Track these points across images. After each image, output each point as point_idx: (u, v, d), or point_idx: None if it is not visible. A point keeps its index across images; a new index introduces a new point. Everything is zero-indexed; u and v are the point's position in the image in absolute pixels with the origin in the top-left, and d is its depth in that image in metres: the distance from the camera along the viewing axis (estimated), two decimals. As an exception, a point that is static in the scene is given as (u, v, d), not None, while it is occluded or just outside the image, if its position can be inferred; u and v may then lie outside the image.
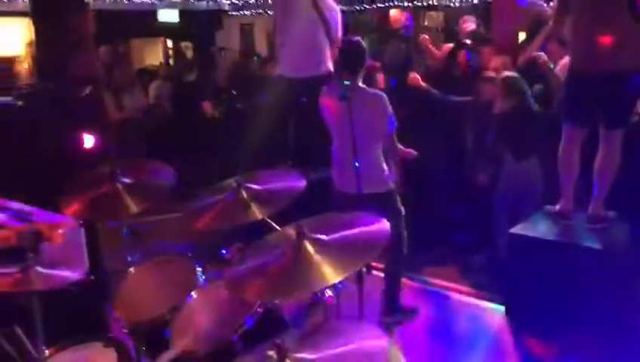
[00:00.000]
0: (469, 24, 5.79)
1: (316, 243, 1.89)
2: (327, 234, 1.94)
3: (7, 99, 4.74)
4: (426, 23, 6.40)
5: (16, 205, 3.50)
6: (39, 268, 2.56)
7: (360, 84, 3.49)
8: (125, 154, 4.96)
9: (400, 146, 3.70)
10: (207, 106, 6.09)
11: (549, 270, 3.58)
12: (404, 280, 4.04)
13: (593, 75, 3.36)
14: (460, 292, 4.31)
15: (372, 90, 3.56)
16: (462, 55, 5.15)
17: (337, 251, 1.87)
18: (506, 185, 4.43)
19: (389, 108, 3.50)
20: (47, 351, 2.31)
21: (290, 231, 1.98)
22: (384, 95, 3.52)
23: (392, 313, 3.79)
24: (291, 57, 4.97)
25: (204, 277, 2.53)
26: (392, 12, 6.95)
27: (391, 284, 3.80)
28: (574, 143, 3.62)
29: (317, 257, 1.84)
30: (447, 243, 5.01)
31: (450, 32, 7.01)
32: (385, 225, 1.99)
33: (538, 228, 3.80)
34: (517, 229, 3.82)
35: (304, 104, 4.63)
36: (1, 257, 2.85)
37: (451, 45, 5.49)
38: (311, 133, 4.31)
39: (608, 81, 3.30)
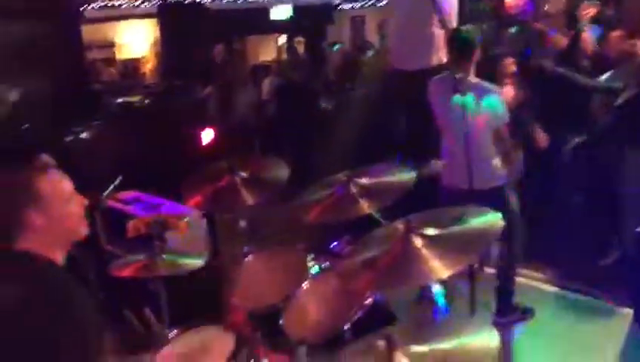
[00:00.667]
0: (589, 10, 5.44)
1: (424, 237, 1.89)
2: (436, 229, 1.93)
3: (135, 98, 5.15)
4: (546, 8, 6.07)
5: (145, 197, 3.81)
6: (165, 256, 2.78)
7: (472, 76, 3.41)
8: (239, 149, 5.19)
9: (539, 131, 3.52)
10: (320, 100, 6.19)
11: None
12: (519, 278, 3.91)
13: None
14: (581, 292, 4.09)
15: (485, 84, 3.46)
16: (584, 41, 4.86)
17: (446, 246, 1.86)
18: (631, 178, 4.14)
19: (502, 101, 3.40)
20: (172, 332, 2.48)
21: (399, 225, 2.00)
22: (497, 88, 3.42)
23: (506, 312, 3.68)
24: (401, 48, 4.93)
25: (315, 268, 2.60)
26: (507, -2, 6.67)
27: (504, 282, 3.70)
28: None
29: (425, 251, 1.84)
30: (570, 239, 4.76)
31: (572, 17, 6.62)
32: (497, 220, 1.95)
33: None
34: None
35: (415, 97, 4.58)
36: (132, 245, 3.12)
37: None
38: (421, 126, 4.27)
39: None
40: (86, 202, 2.01)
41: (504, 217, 3.47)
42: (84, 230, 2.02)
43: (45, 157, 3.54)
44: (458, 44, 3.46)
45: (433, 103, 3.61)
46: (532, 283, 4.23)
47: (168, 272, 2.75)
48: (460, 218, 1.95)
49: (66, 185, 1.98)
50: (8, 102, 5.17)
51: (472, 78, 3.38)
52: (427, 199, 3.61)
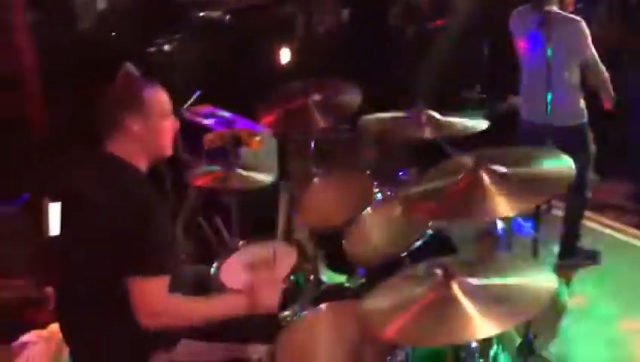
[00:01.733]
0: None
1: (494, 174, 1.88)
2: (506, 167, 1.91)
3: (217, 13, 5.17)
4: None
5: (221, 112, 3.92)
6: (238, 170, 2.89)
7: (555, 7, 3.22)
8: (315, 70, 5.17)
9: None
10: None
11: None
12: (588, 222, 3.82)
13: None
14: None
15: (569, 15, 3.26)
16: None
17: (515, 185, 1.84)
18: None
19: (588, 33, 3.22)
20: (240, 242, 2.62)
21: (468, 159, 1.99)
22: (581, 19, 3.23)
23: (570, 255, 3.63)
24: None
25: (380, 194, 2.64)
26: None
27: (570, 225, 3.63)
28: None
29: (492, 188, 1.83)
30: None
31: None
32: (570, 164, 1.91)
33: None
34: None
35: (497, 26, 4.35)
36: (208, 158, 3.25)
37: None
38: (503, 59, 4.11)
39: None
40: (177, 125, 2.11)
41: (581, 157, 3.39)
42: (169, 150, 2.14)
43: (130, 67, 3.69)
44: None
45: (515, 35, 3.48)
46: (601, 229, 4.12)
47: (240, 186, 2.87)
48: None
49: (167, 102, 2.08)
50: (95, 11, 5.32)
51: (555, 9, 3.20)
52: (506, 134, 3.56)
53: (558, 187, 1.88)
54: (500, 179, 1.86)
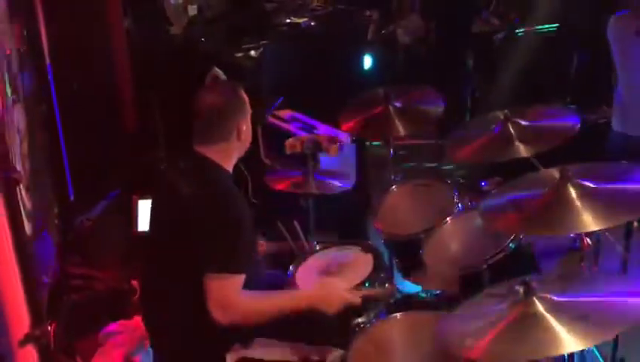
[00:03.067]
0: None
1: (581, 188, 1.81)
2: (594, 182, 1.83)
3: (302, 19, 5.25)
4: None
5: (303, 117, 3.98)
6: (317, 175, 2.93)
7: None
8: (400, 78, 5.15)
9: None
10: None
11: None
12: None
13: None
14: None
15: None
16: None
17: (602, 200, 1.76)
18: None
19: None
20: (317, 246, 2.65)
21: (555, 172, 1.92)
22: None
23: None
24: None
25: (460, 204, 2.59)
26: None
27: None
28: None
29: (579, 202, 1.76)
30: None
31: None
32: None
33: None
34: None
35: (591, 32, 4.15)
36: (288, 161, 3.31)
37: None
38: (595, 67, 3.93)
39: None
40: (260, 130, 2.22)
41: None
42: (250, 142, 2.23)
43: (217, 71, 3.82)
44: None
45: (613, 41, 3.31)
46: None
47: (318, 191, 2.90)
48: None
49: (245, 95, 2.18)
50: (186, 16, 5.54)
51: None
52: (593, 147, 3.40)
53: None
54: (587, 193, 1.78)
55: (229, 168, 2.16)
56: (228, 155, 2.13)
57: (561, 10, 4.98)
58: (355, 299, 2.11)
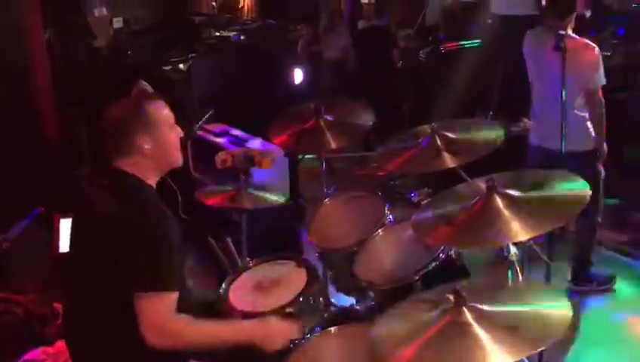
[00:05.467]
0: None
1: (507, 198, 1.86)
2: (519, 191, 1.90)
3: (232, 33, 5.23)
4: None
5: (234, 130, 3.94)
6: (249, 190, 2.89)
7: (570, 32, 3.21)
8: (329, 92, 5.20)
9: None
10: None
11: None
12: (601, 248, 3.77)
13: None
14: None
15: (584, 40, 3.25)
16: None
17: (528, 209, 1.83)
18: None
19: (601, 61, 3.21)
20: (249, 263, 2.61)
21: (481, 183, 1.97)
22: (596, 46, 3.21)
23: (582, 281, 3.58)
24: None
25: (391, 216, 2.62)
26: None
27: (582, 250, 3.58)
28: None
29: (506, 213, 1.82)
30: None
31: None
32: (585, 188, 1.89)
33: None
34: None
35: (511, 47, 4.34)
36: (218, 176, 3.26)
37: None
38: (517, 81, 4.11)
39: None
40: (181, 133, 2.12)
41: (591, 182, 3.36)
42: (180, 160, 2.15)
43: (144, 84, 3.72)
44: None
45: (527, 57, 3.46)
46: (613, 253, 4.06)
47: (251, 206, 2.87)
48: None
49: (169, 112, 2.10)
50: (111, 29, 5.40)
51: (571, 34, 3.19)
52: (515, 158, 3.54)
53: (572, 211, 1.86)
54: (513, 203, 1.84)
55: (152, 182, 2.09)
56: (144, 170, 2.05)
57: (484, 26, 5.21)
58: (298, 334, 2.08)
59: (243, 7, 9.34)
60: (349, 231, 2.61)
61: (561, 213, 1.86)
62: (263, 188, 2.98)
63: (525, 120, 4.28)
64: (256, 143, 3.71)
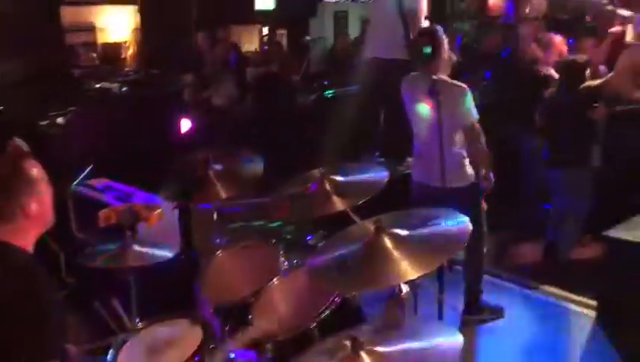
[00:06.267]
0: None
1: (395, 238, 1.91)
2: (406, 230, 1.94)
3: (114, 85, 5.08)
4: (527, 11, 6.16)
5: (118, 185, 3.77)
6: (136, 246, 2.75)
7: (443, 75, 3.41)
8: (217, 140, 5.15)
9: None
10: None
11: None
12: (490, 277, 3.95)
13: None
14: (549, 293, 4.16)
15: (455, 82, 3.47)
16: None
17: (416, 247, 1.88)
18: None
19: (472, 100, 3.43)
20: (140, 324, 2.46)
21: (370, 225, 2.01)
22: (467, 87, 3.44)
23: (474, 311, 3.73)
24: (373, 36, 4.98)
25: (287, 263, 2.60)
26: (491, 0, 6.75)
27: (472, 281, 3.74)
28: None
29: (395, 252, 1.85)
30: (534, 239, 4.85)
31: (552, 20, 6.72)
32: (466, 222, 1.97)
33: (637, 231, 3.59)
34: (614, 232, 3.63)
35: (391, 90, 4.52)
36: (103, 234, 3.08)
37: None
38: (400, 123, 4.29)
39: None
40: (54, 191, 2.01)
41: (473, 215, 3.52)
42: (53, 218, 2.02)
43: (19, 142, 3.49)
44: (422, 42, 3.47)
45: (406, 101, 3.63)
46: (501, 282, 4.28)
47: (138, 263, 2.73)
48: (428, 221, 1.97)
49: (43, 171, 1.98)
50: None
51: (443, 77, 3.39)
52: (403, 197, 3.66)
53: (457, 245, 1.93)
54: (401, 242, 1.89)
55: (29, 247, 1.94)
56: (22, 235, 1.91)
57: (367, 72, 5.40)
58: None
59: (125, 57, 9.18)
60: (244, 282, 2.55)
61: (447, 249, 1.93)
62: (151, 243, 2.85)
63: (409, 159, 4.46)
64: (142, 197, 3.57)
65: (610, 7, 4.24)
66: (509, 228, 4.88)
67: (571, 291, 4.10)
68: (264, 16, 12.04)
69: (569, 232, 4.50)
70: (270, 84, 6.76)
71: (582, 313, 3.87)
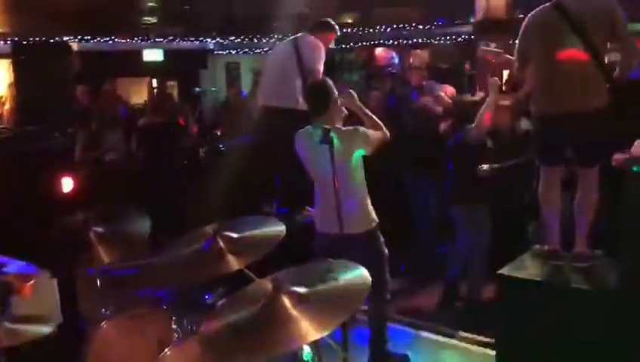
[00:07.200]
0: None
1: (294, 296, 1.79)
2: (305, 287, 1.84)
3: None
4: (411, 61, 6.44)
5: (-15, 256, 3.38)
6: (7, 323, 2.44)
7: (336, 124, 3.42)
8: (104, 197, 4.84)
9: None
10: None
11: (539, 312, 3.48)
12: (393, 325, 3.92)
13: (557, 116, 3.37)
14: (451, 335, 4.20)
15: (348, 128, 3.48)
16: None
17: (317, 305, 1.77)
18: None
19: (369, 135, 3.45)
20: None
21: (267, 283, 1.88)
22: (360, 126, 3.46)
23: (380, 361, 3.65)
24: (265, 85, 4.97)
25: (180, 329, 2.41)
26: (378, 50, 7.00)
27: (377, 331, 3.67)
28: (552, 182, 3.59)
29: (295, 312, 1.74)
30: (435, 282, 4.93)
31: (434, 69, 7.08)
32: (365, 275, 1.90)
33: (528, 269, 3.71)
34: (507, 270, 3.73)
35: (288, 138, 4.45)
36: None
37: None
38: (297, 171, 4.23)
39: (573, 120, 3.31)
40: None
41: (376, 261, 3.49)
42: None
43: None
44: (313, 95, 3.53)
45: (300, 154, 3.59)
46: (403, 328, 4.27)
47: (10, 342, 2.42)
48: (328, 275, 1.89)
49: None
50: None
51: (337, 125, 3.40)
52: (305, 248, 3.56)
53: (358, 299, 1.84)
54: (301, 300, 1.78)
55: None
56: None
57: (261, 120, 5.31)
58: None
59: (2, 114, 8.58)
60: (133, 355, 2.32)
61: (349, 304, 1.84)
62: (25, 319, 2.54)
63: (308, 208, 4.39)
64: (14, 267, 3.21)
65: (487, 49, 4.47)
66: (407, 273, 4.94)
67: (472, 331, 4.17)
68: (153, 68, 11.85)
69: (474, 271, 4.59)
70: (162, 137, 6.54)
71: (484, 353, 3.92)
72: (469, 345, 4.06)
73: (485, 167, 4.49)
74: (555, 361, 3.38)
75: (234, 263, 2.29)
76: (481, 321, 4.19)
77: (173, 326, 2.37)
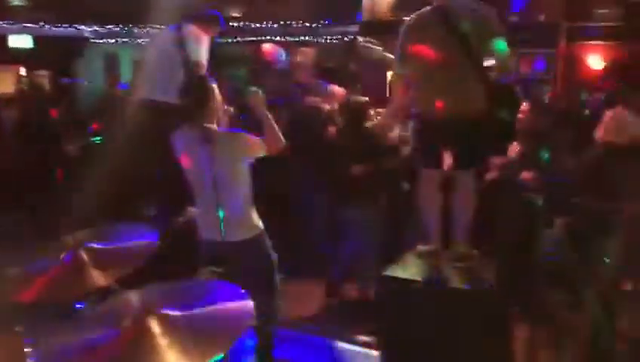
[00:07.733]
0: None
1: (165, 320, 1.59)
2: (180, 309, 1.64)
3: None
4: (298, 59, 6.37)
5: None
6: None
7: (215, 124, 3.22)
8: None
9: None
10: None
11: (420, 312, 3.52)
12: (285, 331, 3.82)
13: (436, 119, 3.44)
14: (334, 335, 4.17)
15: (230, 130, 3.30)
16: None
17: (191, 332, 1.57)
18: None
19: (254, 142, 3.28)
20: None
21: (135, 300, 1.67)
22: (243, 132, 3.28)
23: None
24: (147, 77, 4.66)
25: (37, 352, 2.11)
26: (264, 46, 6.85)
27: (264, 336, 3.52)
28: (431, 183, 3.65)
29: (165, 340, 1.53)
30: (320, 284, 4.89)
31: (320, 68, 7.07)
32: (248, 302, 1.74)
33: (408, 269, 3.74)
34: (389, 271, 3.74)
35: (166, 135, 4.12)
36: None
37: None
38: (178, 171, 3.96)
39: (450, 124, 3.38)
40: None
41: (265, 267, 3.34)
42: None
43: None
44: (195, 90, 3.27)
45: (179, 152, 3.33)
46: (291, 331, 4.17)
47: None
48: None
49: None
50: None
51: (215, 126, 3.20)
52: (187, 251, 3.33)
53: (240, 326, 1.67)
54: (172, 326, 1.57)
55: None
56: None
57: (141, 114, 4.95)
58: None
59: None
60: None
61: (230, 331, 1.63)
62: None
63: (191, 209, 4.14)
64: None
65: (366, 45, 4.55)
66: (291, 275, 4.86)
67: (357, 332, 4.16)
68: (22, 56, 10.89)
69: (362, 271, 4.59)
70: (30, 131, 5.97)
71: (368, 353, 3.92)
72: (354, 346, 4.05)
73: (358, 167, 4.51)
74: (436, 361, 3.43)
75: (100, 278, 2.05)
76: (367, 322, 4.20)
77: (27, 350, 2.06)
